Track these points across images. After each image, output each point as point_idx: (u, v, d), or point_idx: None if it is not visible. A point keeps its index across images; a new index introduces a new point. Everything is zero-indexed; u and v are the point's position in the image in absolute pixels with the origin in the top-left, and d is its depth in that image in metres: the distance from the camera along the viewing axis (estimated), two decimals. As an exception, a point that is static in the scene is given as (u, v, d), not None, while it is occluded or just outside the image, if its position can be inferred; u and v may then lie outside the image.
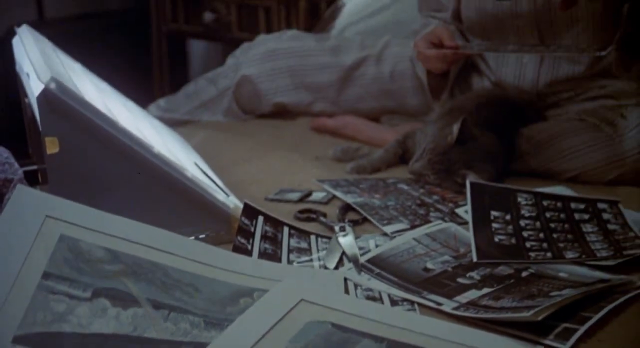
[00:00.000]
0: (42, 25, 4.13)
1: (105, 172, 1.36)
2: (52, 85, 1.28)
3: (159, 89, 3.24)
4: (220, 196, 1.46)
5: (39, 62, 1.41)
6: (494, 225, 1.48)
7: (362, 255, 1.41)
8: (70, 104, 1.30)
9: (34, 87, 1.34)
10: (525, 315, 1.12)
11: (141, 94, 2.87)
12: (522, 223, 1.50)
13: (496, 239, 1.44)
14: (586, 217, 1.53)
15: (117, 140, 1.34)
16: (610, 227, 1.50)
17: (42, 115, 1.30)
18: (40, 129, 1.32)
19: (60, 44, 3.72)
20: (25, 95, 1.52)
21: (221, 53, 3.49)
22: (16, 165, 1.39)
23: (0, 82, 4.01)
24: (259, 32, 2.87)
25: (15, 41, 1.68)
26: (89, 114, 1.32)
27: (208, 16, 3.09)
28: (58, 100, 1.29)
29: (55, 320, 1.04)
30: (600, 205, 1.56)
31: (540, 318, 1.09)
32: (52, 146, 1.31)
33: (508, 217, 1.51)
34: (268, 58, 2.31)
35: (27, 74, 1.45)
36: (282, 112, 2.31)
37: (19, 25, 3.74)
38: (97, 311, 1.08)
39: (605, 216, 1.53)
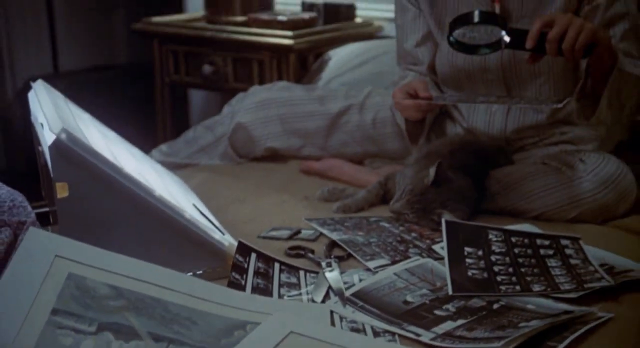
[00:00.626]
0: (57, 77, 4.16)
1: (110, 214, 1.36)
2: (63, 136, 1.29)
3: (162, 135, 3.22)
4: (217, 235, 1.44)
5: (51, 114, 1.41)
6: (468, 260, 1.47)
7: (347, 289, 1.40)
8: (78, 153, 1.30)
9: (46, 137, 1.34)
10: (497, 345, 1.12)
11: (146, 139, 2.86)
12: (493, 258, 1.49)
13: (470, 273, 1.43)
14: (551, 252, 1.52)
15: (121, 185, 1.34)
16: (573, 261, 1.49)
17: (53, 162, 1.31)
18: (52, 175, 1.32)
19: (72, 94, 3.71)
20: (39, 144, 1.52)
21: (219, 102, 3.47)
22: (29, 208, 1.38)
23: (19, 131, 4.03)
24: (253, 83, 2.87)
25: (31, 95, 1.68)
26: (96, 162, 1.32)
27: (207, 68, 3.06)
28: (68, 149, 1.29)
29: (63, 352, 1.04)
30: (563, 242, 1.55)
31: (509, 348, 1.09)
32: (62, 191, 1.31)
33: (480, 252, 1.50)
34: (261, 107, 2.29)
35: (41, 124, 1.45)
36: (273, 156, 2.28)
37: (35, 78, 3.74)
38: (101, 344, 1.08)
39: (568, 251, 1.52)
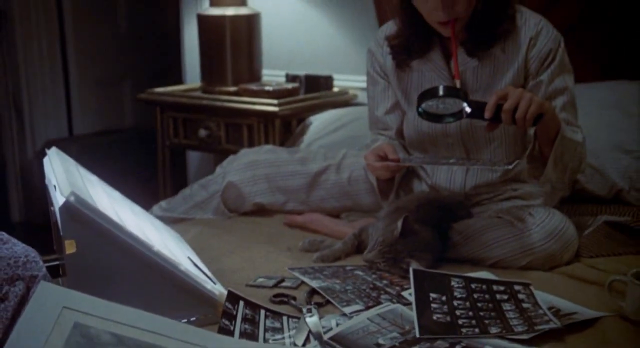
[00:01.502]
0: (71, 140, 4.19)
1: (113, 267, 1.34)
2: (72, 198, 1.28)
3: (163, 191, 3.19)
4: (208, 285, 1.42)
5: (62, 178, 1.40)
6: (433, 305, 1.45)
7: (325, 333, 1.37)
8: (85, 213, 1.29)
9: (58, 199, 1.33)
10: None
11: (148, 194, 2.85)
12: (455, 303, 1.47)
13: (435, 318, 1.40)
14: (505, 297, 1.51)
15: (123, 242, 1.33)
16: (524, 305, 1.47)
17: (62, 222, 1.29)
18: (61, 233, 1.30)
19: (85, 154, 3.72)
20: (52, 204, 1.49)
21: (213, 161, 3.46)
22: (41, 263, 1.36)
23: (37, 187, 4.00)
24: (243, 145, 2.89)
25: (46, 160, 1.66)
26: (101, 221, 1.31)
27: (202, 132, 3.05)
28: (76, 210, 1.28)
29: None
30: (516, 287, 1.54)
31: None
32: (70, 247, 1.29)
33: (444, 298, 1.48)
34: (249, 167, 2.27)
35: (54, 187, 1.44)
36: (260, 211, 2.26)
37: (53, 140, 3.70)
38: None
39: (520, 296, 1.51)
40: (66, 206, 1.27)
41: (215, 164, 3.32)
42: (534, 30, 1.89)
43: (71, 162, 1.66)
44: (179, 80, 3.78)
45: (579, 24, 2.63)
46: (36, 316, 1.11)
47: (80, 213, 1.28)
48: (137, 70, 4.64)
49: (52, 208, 1.51)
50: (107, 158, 3.86)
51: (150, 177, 3.41)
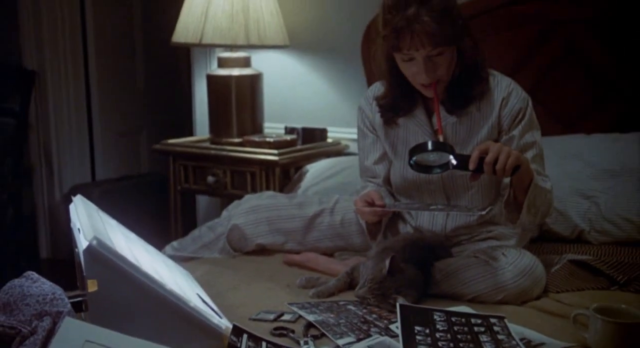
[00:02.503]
0: (94, 185, 4.16)
1: (130, 304, 1.31)
2: (94, 242, 1.26)
3: (174, 231, 3.15)
4: (215, 320, 1.39)
5: (85, 224, 1.38)
6: (418, 337, 1.42)
7: None
8: (106, 256, 1.27)
9: (82, 242, 1.31)
10: None
11: (160, 234, 2.82)
12: (438, 335, 1.44)
13: None
14: (482, 329, 1.48)
15: (139, 281, 1.30)
16: (499, 337, 1.44)
17: (85, 263, 1.27)
18: (84, 273, 1.27)
19: (105, 198, 3.70)
20: (76, 246, 1.46)
21: (219, 205, 3.42)
22: (66, 300, 1.32)
23: (63, 228, 3.97)
24: (247, 190, 2.87)
25: (72, 206, 1.65)
26: (119, 263, 1.29)
27: (210, 179, 3.02)
28: (98, 253, 1.26)
29: None
30: (492, 320, 1.51)
31: None
32: (92, 286, 1.26)
33: (427, 331, 1.45)
34: (252, 212, 2.23)
35: (79, 230, 1.42)
36: (262, 250, 2.21)
37: (78, 185, 3.63)
38: None
39: (496, 328, 1.48)
40: (89, 249, 1.25)
41: (222, 207, 3.29)
42: (506, 91, 1.91)
43: (94, 208, 1.64)
44: (189, 132, 3.74)
45: (541, 87, 2.65)
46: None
47: (102, 256, 1.26)
48: (152, 124, 4.63)
49: (76, 249, 1.49)
50: (125, 201, 3.83)
51: (162, 218, 3.38)
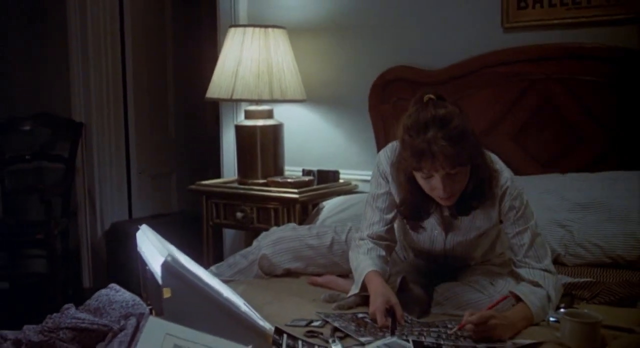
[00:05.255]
0: (131, 222, 4.29)
1: (195, 307, 1.43)
2: (169, 258, 1.39)
3: (207, 261, 3.22)
4: (261, 322, 1.53)
5: (158, 246, 1.52)
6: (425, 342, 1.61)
7: None
8: (178, 269, 1.41)
9: (157, 259, 1.43)
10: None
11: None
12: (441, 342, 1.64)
13: (425, 344, 1.57)
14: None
15: (202, 289, 1.44)
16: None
17: (162, 275, 1.39)
18: (161, 283, 1.40)
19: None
20: (145, 264, 1.59)
21: (244, 237, 3.51)
22: (144, 305, 1.51)
23: (102, 259, 4.12)
24: (271, 224, 2.93)
25: (139, 233, 1.73)
26: (187, 275, 1.42)
27: (239, 214, 3.10)
28: (171, 267, 1.40)
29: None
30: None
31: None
32: (167, 293, 1.39)
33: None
34: (277, 243, 2.33)
35: (152, 250, 1.53)
36: (289, 274, 2.32)
37: (117, 222, 3.77)
38: None
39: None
40: (165, 264, 1.40)
41: (246, 239, 3.42)
42: (502, 189, 1.88)
43: (156, 235, 1.80)
44: (213, 174, 3.83)
45: (522, 134, 2.74)
46: (148, 341, 1.25)
47: (174, 269, 1.40)
48: (181, 167, 4.78)
49: (146, 267, 1.64)
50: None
51: (193, 249, 3.45)
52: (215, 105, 3.98)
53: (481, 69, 2.85)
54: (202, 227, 3.32)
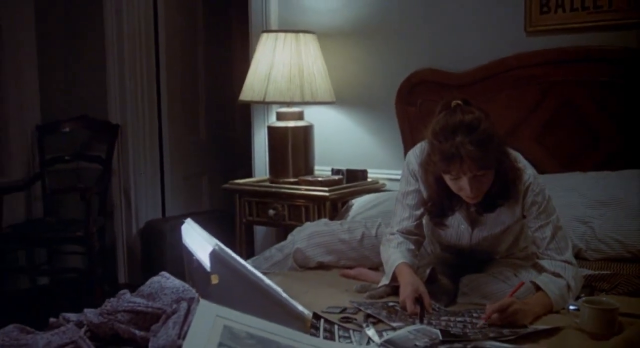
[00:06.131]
0: (165, 220, 4.37)
1: (241, 292, 1.51)
2: (217, 247, 1.49)
3: (240, 256, 3.28)
4: (300, 308, 1.61)
5: (205, 236, 1.63)
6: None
7: (380, 338, 1.60)
8: (224, 257, 1.50)
9: (205, 249, 1.52)
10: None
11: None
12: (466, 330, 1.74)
13: (451, 332, 1.67)
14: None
15: (246, 276, 1.53)
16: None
17: (211, 263, 1.48)
18: (209, 270, 1.48)
19: (174, 231, 3.88)
20: (192, 254, 1.68)
21: (274, 234, 3.59)
22: (193, 290, 1.63)
23: (137, 255, 4.25)
24: (302, 221, 2.96)
25: (184, 226, 1.82)
26: (233, 262, 1.51)
27: (271, 212, 3.18)
28: (219, 255, 1.49)
29: (226, 366, 1.23)
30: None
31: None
32: (215, 279, 1.48)
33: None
34: (311, 237, 2.42)
35: (196, 242, 1.65)
36: (322, 266, 2.41)
37: (152, 221, 3.79)
38: None
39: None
40: (213, 252, 1.49)
41: (276, 235, 3.49)
42: (525, 185, 1.95)
43: (199, 227, 1.88)
44: (243, 174, 3.91)
45: (543, 135, 2.81)
46: (200, 322, 1.33)
47: (221, 257, 1.50)
48: (212, 167, 4.88)
49: (192, 257, 1.69)
50: None
51: (229, 246, 3.57)
52: (244, 108, 4.08)
53: (504, 71, 2.93)
54: (234, 225, 3.42)
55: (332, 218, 2.99)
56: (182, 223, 4.72)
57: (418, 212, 2.12)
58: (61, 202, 4.41)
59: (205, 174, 4.90)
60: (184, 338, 1.47)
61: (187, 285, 1.66)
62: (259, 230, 3.71)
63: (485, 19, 3.05)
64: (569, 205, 2.47)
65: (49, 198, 4.28)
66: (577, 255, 2.34)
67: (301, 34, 3.24)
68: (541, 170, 2.14)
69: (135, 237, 4.42)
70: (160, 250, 4.25)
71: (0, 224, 3.88)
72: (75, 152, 4.40)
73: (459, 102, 1.91)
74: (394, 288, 2.03)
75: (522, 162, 2.01)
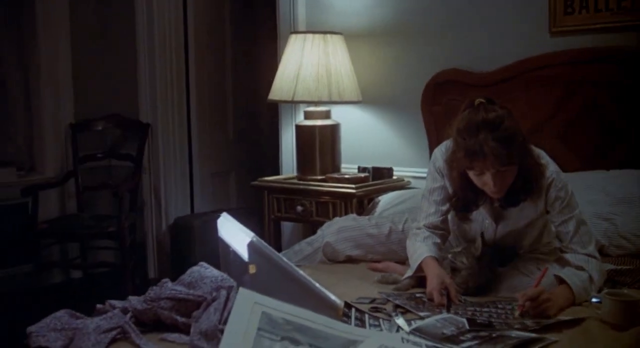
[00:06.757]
0: (193, 217, 4.42)
1: (276, 281, 1.56)
2: (254, 239, 1.55)
3: None
4: (333, 297, 1.62)
5: (241, 228, 1.68)
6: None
7: (409, 327, 1.67)
8: (261, 248, 1.55)
9: (242, 240, 1.58)
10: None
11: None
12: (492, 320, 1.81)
13: (478, 321, 1.74)
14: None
15: (282, 265, 1.56)
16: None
17: (249, 253, 1.54)
18: (247, 260, 1.55)
19: (203, 227, 3.95)
20: (228, 246, 1.75)
21: (301, 229, 3.64)
22: (231, 279, 1.71)
23: (166, 250, 4.34)
24: (329, 218, 2.99)
25: (220, 220, 1.87)
26: (269, 252, 1.56)
27: (299, 208, 3.25)
28: (256, 246, 1.55)
29: (265, 350, 1.29)
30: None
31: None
32: (252, 269, 1.55)
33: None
34: (339, 231, 2.49)
35: (232, 235, 1.72)
36: (350, 260, 2.47)
37: (181, 217, 3.83)
38: (283, 347, 1.31)
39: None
40: (251, 244, 1.56)
41: (304, 231, 3.55)
42: (548, 180, 2.00)
43: (235, 221, 1.89)
44: (270, 172, 3.97)
45: (567, 134, 2.85)
46: (239, 308, 1.38)
47: (259, 248, 1.56)
48: (239, 165, 4.96)
49: (229, 249, 1.76)
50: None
51: None
52: (271, 107, 4.15)
53: (528, 71, 2.98)
54: (261, 221, 3.49)
55: (358, 215, 3.00)
56: (212, 219, 4.75)
57: (444, 208, 2.18)
58: (94, 198, 4.52)
59: (232, 171, 4.97)
60: (224, 323, 1.55)
61: (225, 275, 1.73)
62: (286, 226, 3.76)
63: (509, 20, 3.10)
64: (592, 202, 2.50)
65: (82, 195, 4.40)
66: (601, 251, 2.33)
67: (329, 35, 3.31)
68: (564, 169, 2.17)
69: (165, 232, 4.51)
70: (189, 246, 4.35)
71: (36, 220, 4.00)
72: (107, 150, 4.52)
73: (483, 100, 1.98)
74: (418, 280, 2.11)
75: (545, 158, 2.07)
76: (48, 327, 1.59)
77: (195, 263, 1.91)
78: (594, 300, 1.89)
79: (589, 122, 2.84)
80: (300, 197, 3.30)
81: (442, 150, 2.17)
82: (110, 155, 4.50)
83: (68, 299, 4.03)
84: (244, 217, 4.28)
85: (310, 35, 3.29)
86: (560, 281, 1.95)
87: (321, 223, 2.76)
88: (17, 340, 1.84)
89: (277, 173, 3.85)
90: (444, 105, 3.22)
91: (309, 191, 3.27)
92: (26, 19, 4.35)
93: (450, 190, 2.14)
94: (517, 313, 1.80)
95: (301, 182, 3.35)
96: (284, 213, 3.40)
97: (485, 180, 1.92)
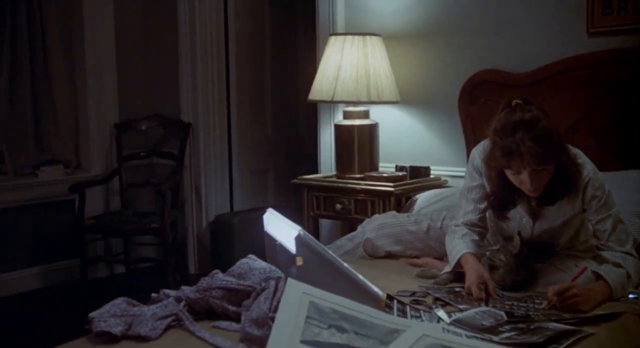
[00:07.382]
0: (232, 214, 4.50)
1: (322, 273, 1.61)
2: (301, 232, 1.60)
3: None
4: (375, 289, 1.71)
5: (289, 223, 1.74)
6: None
7: (449, 318, 1.73)
8: (308, 241, 1.61)
9: (290, 234, 1.63)
10: (534, 339, 1.49)
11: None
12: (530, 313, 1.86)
13: (515, 314, 1.79)
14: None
15: (327, 258, 1.62)
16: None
17: (296, 246, 1.59)
18: (294, 253, 1.61)
19: (242, 224, 4.02)
20: (275, 240, 1.80)
21: (339, 226, 3.69)
22: (279, 271, 1.79)
23: (206, 245, 4.44)
24: (368, 215, 3.02)
25: (266, 215, 1.90)
26: (315, 245, 1.62)
27: (338, 206, 3.29)
28: (303, 239, 1.60)
29: (314, 335, 1.36)
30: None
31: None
32: (299, 261, 1.60)
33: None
34: (380, 228, 2.56)
35: (279, 229, 1.77)
36: (390, 256, 2.53)
37: (220, 214, 3.87)
38: (329, 334, 1.37)
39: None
40: (298, 237, 1.61)
41: (342, 228, 3.60)
42: (585, 180, 2.04)
43: (281, 216, 1.93)
44: (307, 171, 3.99)
45: (602, 135, 2.86)
46: (289, 298, 1.44)
47: (305, 241, 1.62)
48: (277, 164, 5.05)
49: (275, 242, 1.82)
50: (257, 227, 4.22)
51: None
52: (309, 107, 4.22)
53: (566, 71, 3.00)
54: (300, 218, 3.52)
55: (398, 211, 3.08)
56: (250, 217, 4.72)
57: (482, 206, 2.24)
58: (137, 195, 4.65)
59: (270, 169, 5.07)
60: (274, 311, 1.62)
61: (273, 267, 1.81)
62: (325, 224, 3.80)
63: (546, 20, 3.13)
64: (629, 201, 2.49)
65: (126, 192, 4.52)
66: (638, 250, 2.32)
67: (367, 37, 3.37)
68: (601, 168, 2.20)
69: (205, 229, 4.61)
70: (228, 242, 4.45)
71: (83, 216, 4.13)
72: (150, 149, 4.65)
73: (519, 101, 2.03)
74: (457, 275, 2.17)
75: (582, 158, 2.11)
76: (108, 313, 1.69)
77: (235, 260, 1.99)
78: (630, 296, 1.93)
79: (626, 123, 2.85)
80: (339, 195, 3.34)
81: (480, 149, 2.21)
82: (152, 153, 4.62)
83: (112, 293, 4.15)
84: (283, 214, 4.41)
85: (349, 37, 3.36)
86: (598, 277, 1.99)
87: (359, 221, 2.83)
88: (76, 326, 1.94)
89: (314, 171, 3.89)
90: (481, 105, 3.25)
91: (348, 189, 3.31)
92: (74, 24, 4.49)
93: (488, 189, 2.19)
94: (544, 304, 1.85)
95: (340, 180, 3.39)
96: (323, 210, 3.45)
97: (522, 179, 1.96)
